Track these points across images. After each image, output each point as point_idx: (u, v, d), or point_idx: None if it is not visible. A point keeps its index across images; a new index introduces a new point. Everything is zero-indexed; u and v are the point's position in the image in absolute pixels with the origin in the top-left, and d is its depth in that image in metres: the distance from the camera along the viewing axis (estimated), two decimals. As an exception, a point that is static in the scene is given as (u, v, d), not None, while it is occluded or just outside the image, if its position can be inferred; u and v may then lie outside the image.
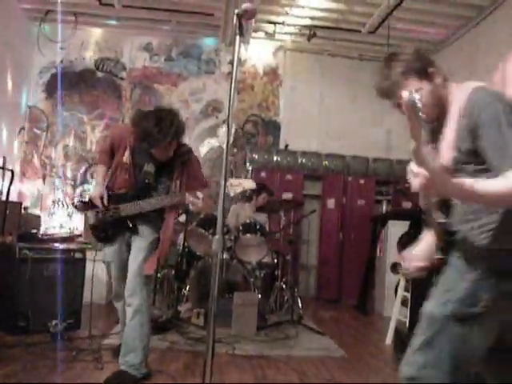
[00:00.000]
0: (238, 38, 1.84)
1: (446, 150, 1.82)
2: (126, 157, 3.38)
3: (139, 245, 3.31)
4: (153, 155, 3.33)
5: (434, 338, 1.87)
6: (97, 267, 3.72)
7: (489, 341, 1.88)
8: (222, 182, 1.74)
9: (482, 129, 1.68)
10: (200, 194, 3.22)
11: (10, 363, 3.25)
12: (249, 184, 2.99)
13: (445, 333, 1.85)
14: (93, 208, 3.38)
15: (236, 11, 1.85)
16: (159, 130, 3.13)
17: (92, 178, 3.61)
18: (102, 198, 3.33)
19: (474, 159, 1.73)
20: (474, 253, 1.84)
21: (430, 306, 1.90)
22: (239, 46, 1.85)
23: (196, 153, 3.66)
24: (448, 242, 1.85)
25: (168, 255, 4.43)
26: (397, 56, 1.95)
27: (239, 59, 1.87)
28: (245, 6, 1.88)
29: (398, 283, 4.84)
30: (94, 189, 3.53)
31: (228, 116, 1.80)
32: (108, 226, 3.36)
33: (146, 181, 3.36)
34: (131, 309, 3.16)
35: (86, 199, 3.48)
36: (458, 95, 1.89)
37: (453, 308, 1.82)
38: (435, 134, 1.90)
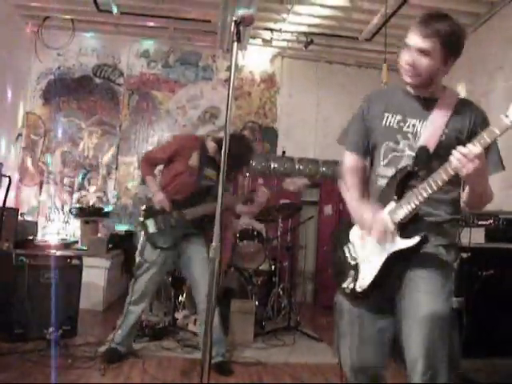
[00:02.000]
0: (235, 44, 1.85)
1: (433, 132, 2.03)
2: (194, 161, 3.66)
3: (198, 258, 3.57)
4: (212, 161, 3.67)
5: (440, 336, 1.91)
6: (93, 274, 3.72)
7: None
8: (220, 189, 1.74)
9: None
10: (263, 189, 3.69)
11: (6, 370, 3.23)
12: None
13: (448, 329, 1.93)
14: (152, 216, 3.56)
15: (234, 18, 1.86)
16: (247, 158, 3.75)
17: (89, 184, 3.68)
18: (165, 204, 3.55)
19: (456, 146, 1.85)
20: (452, 243, 2.05)
21: (434, 306, 1.92)
22: (237, 53, 1.85)
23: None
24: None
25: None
26: (448, 17, 2.05)
27: (236, 66, 1.88)
28: (242, 12, 1.89)
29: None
30: (155, 196, 3.62)
31: (226, 123, 1.81)
32: (172, 231, 3.55)
33: (208, 184, 3.63)
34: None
35: (143, 207, 3.65)
36: (451, 93, 2.15)
37: (451, 303, 1.90)
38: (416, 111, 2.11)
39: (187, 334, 4.52)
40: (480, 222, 3.83)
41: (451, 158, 1.79)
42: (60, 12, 6.81)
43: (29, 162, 7.25)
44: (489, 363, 3.54)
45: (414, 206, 1.92)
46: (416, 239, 1.92)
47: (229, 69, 1.83)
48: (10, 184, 4.50)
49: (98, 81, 7.52)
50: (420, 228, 1.95)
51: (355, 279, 2.07)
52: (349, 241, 2.19)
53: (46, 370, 3.27)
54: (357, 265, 2.10)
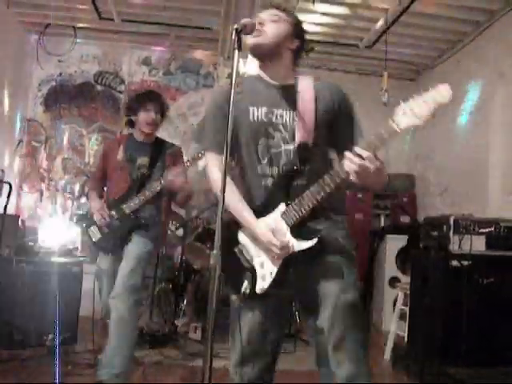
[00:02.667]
0: (236, 52, 1.85)
1: (307, 124, 2.06)
2: (121, 155, 3.56)
3: (133, 251, 3.38)
4: (145, 147, 3.59)
5: (358, 322, 2.04)
6: (93, 281, 3.71)
7: None
8: (221, 196, 1.73)
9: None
10: (176, 170, 3.39)
11: (6, 377, 3.23)
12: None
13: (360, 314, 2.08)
14: (93, 224, 3.47)
15: (235, 26, 1.87)
16: (137, 97, 3.67)
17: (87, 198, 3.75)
18: (101, 210, 3.46)
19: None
20: (347, 233, 2.14)
21: (352, 296, 2.01)
22: (238, 61, 1.85)
23: (194, 166, 3.74)
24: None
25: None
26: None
27: (238, 73, 1.88)
28: (244, 21, 1.90)
29: (397, 297, 4.83)
30: (91, 206, 3.60)
31: (227, 130, 1.81)
32: (116, 231, 3.44)
33: (142, 172, 3.50)
34: (115, 314, 3.25)
35: (85, 214, 3.59)
36: (306, 79, 2.29)
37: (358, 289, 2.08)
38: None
39: (187, 341, 4.51)
40: (480, 230, 3.83)
41: (344, 162, 1.82)
42: (61, 19, 6.83)
43: (29, 168, 7.26)
44: (489, 371, 3.53)
45: (307, 209, 1.94)
46: (313, 241, 1.94)
47: (230, 76, 1.83)
48: (10, 191, 4.51)
49: (99, 88, 7.53)
50: (315, 227, 1.99)
51: (253, 281, 2.07)
52: (238, 243, 2.15)
53: (45, 377, 3.26)
54: (253, 267, 2.08)
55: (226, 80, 7.61)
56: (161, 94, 3.86)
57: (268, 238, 1.98)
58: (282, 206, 2.01)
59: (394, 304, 4.81)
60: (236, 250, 2.13)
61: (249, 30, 1.92)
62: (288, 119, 2.08)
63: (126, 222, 3.42)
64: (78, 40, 7.30)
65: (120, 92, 7.55)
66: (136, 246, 3.40)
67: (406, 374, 4.01)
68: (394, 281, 5.81)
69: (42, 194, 7.22)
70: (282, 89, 2.14)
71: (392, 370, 4.20)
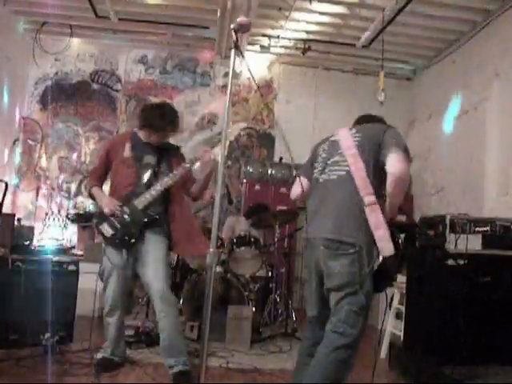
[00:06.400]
0: (233, 51, 1.85)
1: None
2: (128, 152, 3.57)
3: (155, 256, 3.43)
4: (151, 147, 3.61)
5: None
6: (90, 280, 3.70)
7: None
8: (217, 195, 1.74)
9: None
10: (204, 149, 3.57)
11: (1, 377, 3.22)
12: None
13: None
14: (105, 220, 3.47)
15: (232, 26, 1.87)
16: (162, 118, 3.56)
17: (91, 198, 3.65)
18: (113, 204, 3.46)
19: None
20: None
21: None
22: (234, 60, 1.86)
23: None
24: None
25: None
26: None
27: (234, 72, 1.88)
28: (240, 20, 1.90)
29: (393, 296, 4.83)
30: (101, 203, 3.55)
31: (224, 129, 1.81)
32: (129, 227, 3.44)
33: (149, 170, 3.54)
34: (170, 319, 3.40)
35: (82, 213, 3.59)
36: None
37: None
38: None
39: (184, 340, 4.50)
40: (477, 229, 3.83)
41: None
42: (58, 17, 6.81)
43: (26, 167, 7.25)
44: (485, 370, 3.54)
45: None
46: None
47: (226, 75, 1.83)
48: (6, 189, 4.49)
49: (95, 86, 7.53)
50: None
51: None
52: None
53: (41, 377, 3.26)
54: None
55: (223, 79, 7.62)
56: (177, 111, 3.76)
57: None
58: None
59: (390, 303, 4.81)
60: None
61: (245, 29, 1.92)
62: None
63: (138, 218, 3.43)
64: (74, 38, 7.30)
65: (116, 90, 7.55)
66: (157, 249, 3.45)
67: (402, 373, 4.02)
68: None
69: (38, 193, 7.21)
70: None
71: (388, 369, 4.20)
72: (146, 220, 3.45)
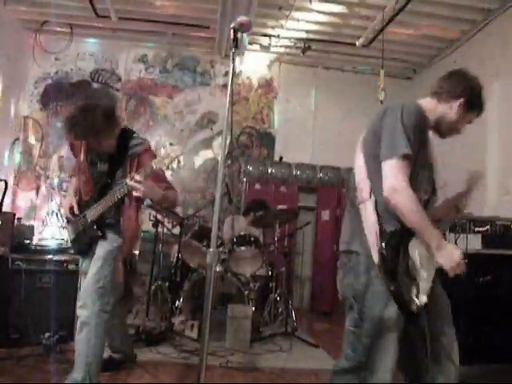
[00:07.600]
0: (233, 51, 1.85)
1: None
2: (82, 155, 3.27)
3: (97, 253, 3.12)
4: (104, 153, 3.19)
5: None
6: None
7: None
8: (217, 194, 1.74)
9: None
10: (138, 177, 2.84)
11: (2, 375, 3.22)
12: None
13: None
14: (68, 222, 3.33)
15: (232, 25, 1.86)
16: (71, 127, 2.94)
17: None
18: (71, 208, 3.24)
19: None
20: None
21: None
22: (234, 60, 1.85)
23: (190, 164, 3.61)
24: None
25: (135, 246, 3.65)
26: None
27: (234, 72, 1.88)
28: (240, 19, 1.89)
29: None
30: (64, 200, 3.43)
31: (225, 128, 1.81)
32: (83, 237, 3.24)
33: (104, 180, 3.18)
34: (79, 321, 3.00)
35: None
36: None
37: None
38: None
39: (184, 339, 4.50)
40: (477, 229, 3.83)
41: None
42: (58, 17, 6.81)
43: (25, 166, 7.24)
44: (486, 369, 3.54)
45: None
46: None
47: (227, 74, 1.83)
48: (6, 188, 4.49)
49: (95, 85, 7.52)
50: None
51: (416, 294, 2.10)
52: (408, 255, 2.13)
53: (42, 376, 3.26)
54: (416, 280, 2.13)
55: (223, 78, 7.61)
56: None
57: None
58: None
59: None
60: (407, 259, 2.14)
61: (245, 28, 1.91)
62: None
63: (88, 232, 3.19)
64: (74, 38, 7.29)
65: (117, 90, 7.54)
66: (100, 247, 3.13)
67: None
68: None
69: (37, 192, 7.21)
70: None
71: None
72: (92, 236, 3.18)
